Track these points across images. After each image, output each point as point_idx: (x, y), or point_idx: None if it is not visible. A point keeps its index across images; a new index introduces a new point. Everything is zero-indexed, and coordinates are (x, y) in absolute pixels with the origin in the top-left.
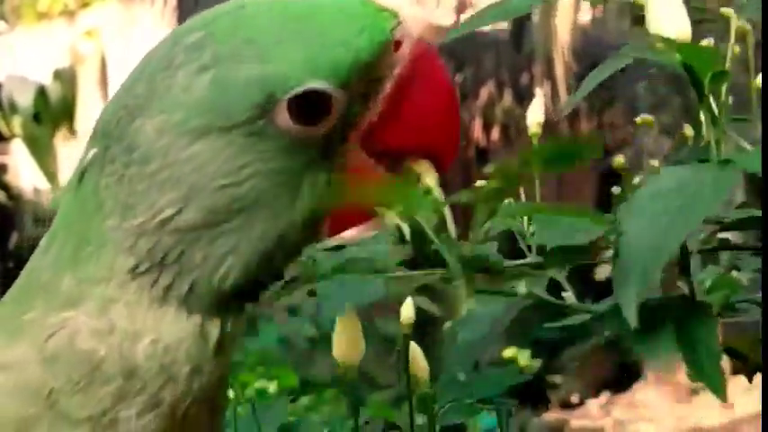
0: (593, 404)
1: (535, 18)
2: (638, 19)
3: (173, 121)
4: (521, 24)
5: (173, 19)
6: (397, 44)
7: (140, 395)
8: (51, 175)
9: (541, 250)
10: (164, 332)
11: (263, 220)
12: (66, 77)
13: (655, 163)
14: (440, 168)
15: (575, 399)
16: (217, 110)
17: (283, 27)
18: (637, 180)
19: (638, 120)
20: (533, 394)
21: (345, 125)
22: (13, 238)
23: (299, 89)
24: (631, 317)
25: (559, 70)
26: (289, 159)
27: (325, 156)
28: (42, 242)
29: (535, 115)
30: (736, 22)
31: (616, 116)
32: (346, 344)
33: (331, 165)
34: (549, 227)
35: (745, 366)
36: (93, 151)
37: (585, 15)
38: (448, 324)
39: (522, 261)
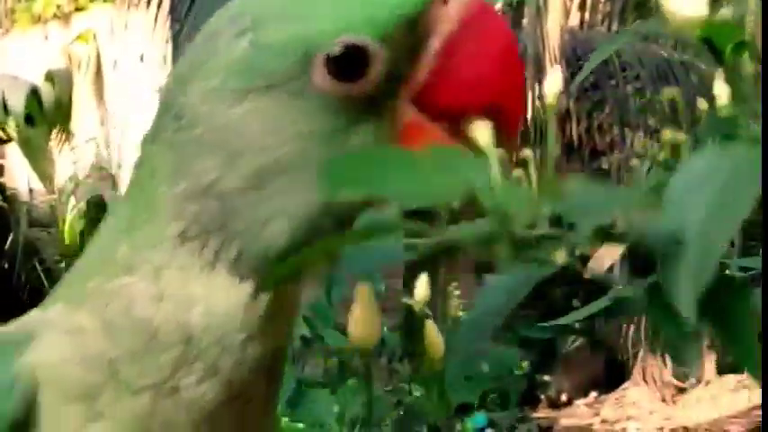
0: (582, 403)
1: (525, 22)
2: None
3: (214, 85)
4: (511, 27)
5: (166, 22)
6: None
7: (198, 363)
8: (46, 177)
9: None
10: (216, 300)
11: (309, 183)
12: (60, 79)
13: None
14: (505, 128)
15: (563, 398)
16: (256, 71)
17: None
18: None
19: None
20: (523, 394)
21: (392, 83)
22: (8, 239)
23: (336, 45)
24: (691, 313)
25: (549, 72)
26: (332, 119)
27: (372, 114)
28: (107, 214)
29: (553, 86)
30: None
31: (605, 119)
32: (363, 325)
33: (379, 125)
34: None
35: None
36: (155, 122)
37: (575, 19)
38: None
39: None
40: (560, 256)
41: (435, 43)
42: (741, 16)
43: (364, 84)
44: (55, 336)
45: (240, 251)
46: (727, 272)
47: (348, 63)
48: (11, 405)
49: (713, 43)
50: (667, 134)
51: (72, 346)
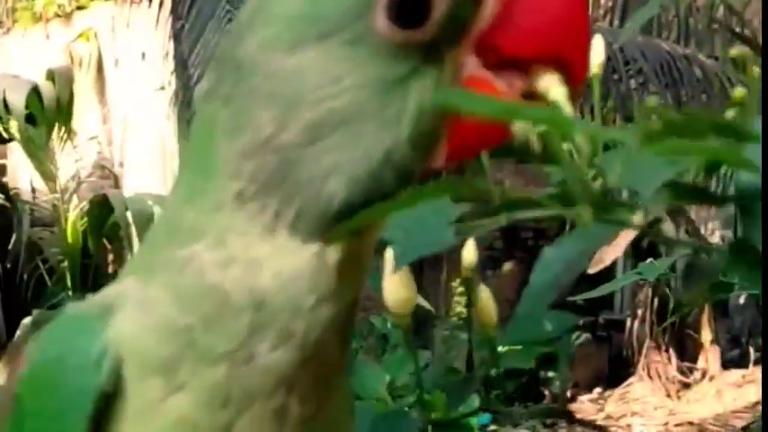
0: (585, 398)
1: None
2: None
3: (271, 35)
4: None
5: (168, 19)
6: None
7: (271, 328)
8: (48, 176)
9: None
10: (282, 262)
11: (368, 136)
12: (61, 77)
13: None
14: (571, 81)
15: (568, 393)
16: (312, 19)
17: None
18: None
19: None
20: (527, 389)
21: (453, 29)
22: (11, 238)
23: None
24: None
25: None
26: (391, 67)
27: (432, 63)
28: (174, 181)
29: (597, 55)
30: None
31: (608, 112)
32: (398, 290)
33: (440, 74)
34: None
35: None
36: (210, 79)
37: None
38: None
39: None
40: (638, 218)
41: None
42: None
43: (425, 29)
44: (131, 309)
45: (300, 210)
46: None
47: (409, 9)
48: (101, 378)
49: None
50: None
51: (148, 318)
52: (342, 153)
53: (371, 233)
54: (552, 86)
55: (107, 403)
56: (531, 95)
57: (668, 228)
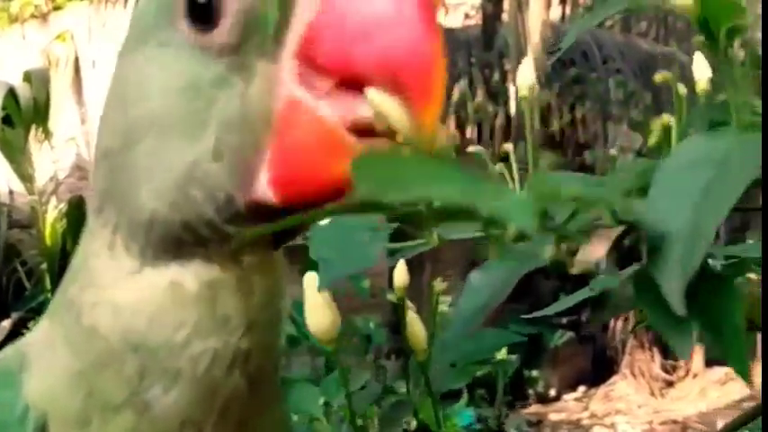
0: (570, 398)
1: (506, 16)
2: None
3: (124, 40)
4: (492, 22)
5: None
6: None
7: (157, 370)
8: (26, 177)
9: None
10: (140, 298)
11: (173, 145)
12: (38, 79)
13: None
14: (414, 107)
15: (552, 393)
16: (137, 21)
17: None
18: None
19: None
20: (512, 389)
21: (258, 34)
22: None
23: None
24: (678, 306)
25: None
26: (197, 72)
27: (239, 74)
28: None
29: (525, 77)
30: None
31: (587, 112)
32: (321, 319)
33: (246, 86)
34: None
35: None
36: None
37: (556, 12)
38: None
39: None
40: (549, 251)
41: None
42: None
43: (221, 30)
44: (42, 358)
45: (129, 223)
46: (710, 261)
47: (203, 6)
48: None
49: (708, 24)
50: (662, 119)
51: (54, 367)
52: (150, 161)
53: (251, 257)
54: (386, 107)
55: None
56: (370, 128)
57: (597, 252)
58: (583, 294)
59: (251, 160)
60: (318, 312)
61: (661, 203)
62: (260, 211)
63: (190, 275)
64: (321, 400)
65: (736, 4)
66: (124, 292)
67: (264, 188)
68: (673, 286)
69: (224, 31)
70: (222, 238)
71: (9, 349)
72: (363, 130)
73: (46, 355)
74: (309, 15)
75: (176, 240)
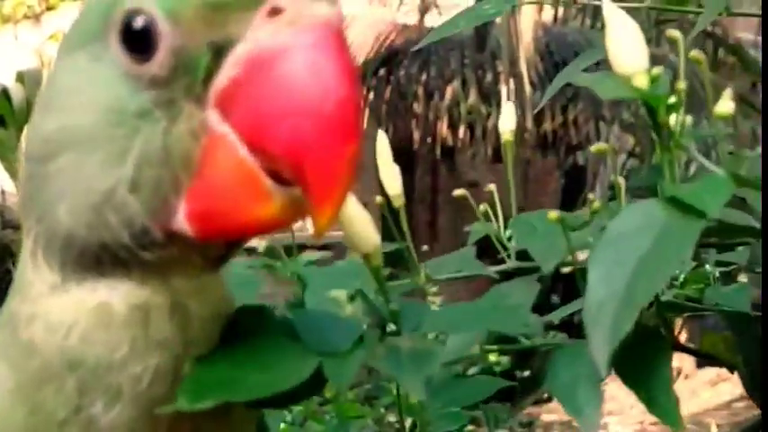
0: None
1: (498, 18)
2: None
3: (63, 40)
4: (484, 24)
5: None
6: (275, 11)
7: (97, 387)
8: (18, 178)
9: (520, 255)
10: (71, 315)
11: (92, 166)
12: (31, 79)
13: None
14: (313, 205)
15: (544, 393)
16: (76, 26)
17: None
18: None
19: (592, 149)
20: (503, 390)
21: (188, 76)
22: None
23: (122, 10)
24: (603, 368)
25: (523, 68)
26: (124, 98)
27: (166, 109)
28: None
29: (507, 123)
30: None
31: (579, 113)
32: (358, 230)
33: (171, 124)
34: (527, 233)
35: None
36: None
37: (548, 14)
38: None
39: (501, 267)
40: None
41: (244, 53)
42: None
43: (154, 63)
44: None
45: (46, 235)
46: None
47: (138, 35)
48: None
49: (649, 104)
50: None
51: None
52: (68, 178)
53: (182, 281)
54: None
55: None
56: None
57: None
58: (579, 305)
59: (169, 195)
60: (356, 223)
61: (600, 269)
62: (178, 240)
63: (118, 297)
64: None
65: (666, 97)
66: (54, 308)
67: (182, 222)
68: (600, 349)
69: (156, 64)
70: (143, 262)
71: None
72: (282, 178)
73: None
74: (232, 72)
75: (95, 259)
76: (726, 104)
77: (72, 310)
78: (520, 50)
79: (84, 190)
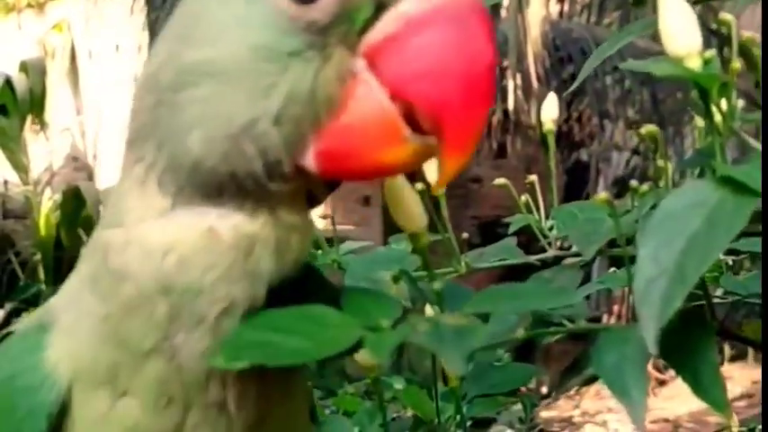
0: (562, 395)
1: (505, 12)
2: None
3: None
4: (491, 17)
5: (142, 12)
6: None
7: (183, 313)
8: (21, 168)
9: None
10: (172, 237)
11: (235, 98)
12: (35, 69)
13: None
14: (443, 156)
15: (543, 390)
16: None
17: None
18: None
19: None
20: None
21: (345, 24)
22: None
23: None
24: (652, 345)
25: (530, 63)
26: (278, 39)
27: (318, 52)
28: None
29: (549, 112)
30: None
31: (584, 109)
32: (408, 209)
33: (323, 67)
34: (569, 221)
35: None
36: None
37: (555, 9)
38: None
39: (542, 255)
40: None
41: (405, 10)
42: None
43: (314, 10)
44: (66, 319)
45: (167, 162)
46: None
47: None
48: (50, 398)
49: (702, 86)
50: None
51: (79, 323)
52: (207, 107)
53: (289, 216)
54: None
55: (61, 419)
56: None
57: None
58: (588, 289)
59: (307, 131)
60: (406, 202)
61: (650, 246)
62: (303, 175)
63: (227, 225)
64: (356, 430)
65: (717, 77)
66: (155, 232)
67: (311, 158)
68: (650, 325)
69: (319, 10)
70: (264, 192)
71: (40, 309)
72: (415, 126)
73: (73, 306)
74: (390, 28)
75: (218, 187)
76: None
77: (174, 234)
78: (527, 45)
79: (223, 120)
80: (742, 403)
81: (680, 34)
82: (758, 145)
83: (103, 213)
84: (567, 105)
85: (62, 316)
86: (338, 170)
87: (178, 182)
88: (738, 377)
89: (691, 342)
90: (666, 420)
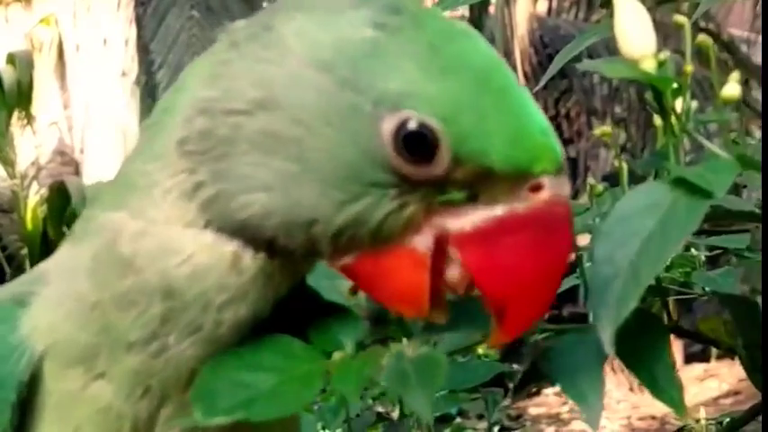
0: (550, 392)
1: (492, 8)
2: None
3: (316, 34)
4: (479, 14)
5: (129, 6)
6: (536, 187)
7: (181, 319)
8: (7, 161)
9: None
10: (196, 251)
11: (308, 192)
12: (22, 62)
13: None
14: (499, 324)
15: (532, 387)
16: (341, 63)
17: (476, 87)
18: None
19: (596, 132)
20: (491, 382)
21: (435, 195)
22: None
23: (422, 118)
24: (608, 346)
25: (517, 60)
26: (372, 167)
27: (399, 195)
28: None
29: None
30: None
31: (572, 106)
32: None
33: (396, 210)
34: None
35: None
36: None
37: (542, 6)
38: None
39: None
40: None
41: (494, 212)
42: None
43: (427, 170)
44: (49, 292)
45: (217, 194)
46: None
47: (418, 142)
48: (20, 368)
49: (656, 88)
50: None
51: (63, 300)
52: (280, 181)
53: (304, 265)
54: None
55: (32, 393)
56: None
57: None
58: (569, 282)
59: (351, 250)
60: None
61: (606, 248)
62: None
63: (251, 257)
64: (319, 426)
65: (672, 80)
66: (178, 236)
67: (342, 261)
68: (605, 327)
69: (432, 169)
70: (290, 254)
71: (13, 284)
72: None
73: (63, 282)
74: (481, 221)
75: (255, 235)
76: (732, 88)
77: (197, 245)
78: (514, 42)
79: (290, 203)
80: (728, 401)
81: (635, 36)
82: (711, 145)
83: (104, 190)
84: (554, 102)
85: (47, 289)
86: (357, 282)
87: (221, 216)
88: (726, 375)
89: (646, 342)
90: (653, 417)
